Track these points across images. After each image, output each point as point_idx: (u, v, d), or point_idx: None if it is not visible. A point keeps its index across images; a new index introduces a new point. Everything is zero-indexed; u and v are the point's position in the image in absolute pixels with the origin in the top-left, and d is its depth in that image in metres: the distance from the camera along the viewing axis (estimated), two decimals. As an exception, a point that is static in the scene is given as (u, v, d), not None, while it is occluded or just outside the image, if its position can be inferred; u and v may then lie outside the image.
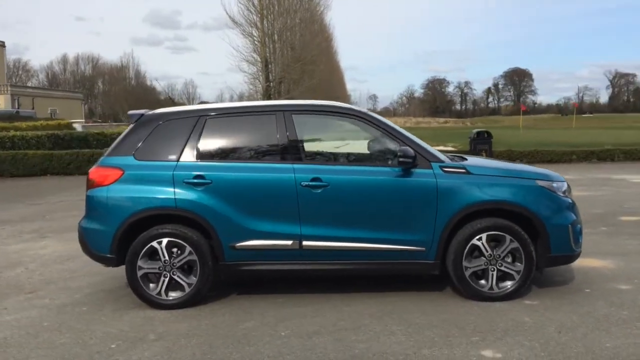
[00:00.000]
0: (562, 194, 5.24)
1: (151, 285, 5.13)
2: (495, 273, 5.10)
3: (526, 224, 5.11)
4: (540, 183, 5.19)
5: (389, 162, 5.19)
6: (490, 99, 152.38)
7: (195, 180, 5.08)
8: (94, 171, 5.26)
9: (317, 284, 5.71)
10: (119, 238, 5.09)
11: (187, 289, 5.11)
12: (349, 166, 5.35)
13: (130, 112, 5.54)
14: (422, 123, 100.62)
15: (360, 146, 5.62)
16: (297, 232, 5.06)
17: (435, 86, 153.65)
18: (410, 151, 5.02)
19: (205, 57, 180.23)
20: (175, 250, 5.10)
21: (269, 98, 48.53)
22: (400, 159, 4.99)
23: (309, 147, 5.47)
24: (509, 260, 5.11)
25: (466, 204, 5.04)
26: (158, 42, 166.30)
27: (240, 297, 5.46)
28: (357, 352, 4.13)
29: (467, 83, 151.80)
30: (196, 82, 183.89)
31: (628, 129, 46.65)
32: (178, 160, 5.16)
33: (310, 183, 5.05)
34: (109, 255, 5.16)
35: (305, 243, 5.06)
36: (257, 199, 5.08)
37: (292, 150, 5.18)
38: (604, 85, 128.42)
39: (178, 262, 5.09)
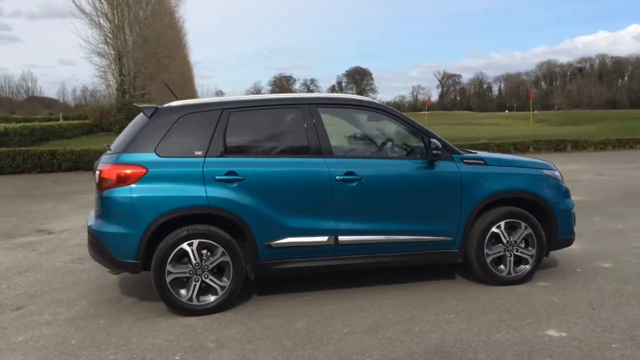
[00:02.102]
0: (562, 182, 5.68)
1: (181, 291, 4.79)
2: (512, 258, 5.41)
3: (536, 210, 5.47)
4: (547, 172, 5.59)
5: (416, 155, 5.29)
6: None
7: (228, 177, 4.82)
8: (109, 170, 4.78)
9: (328, 280, 5.65)
10: (146, 242, 4.70)
11: (220, 292, 4.84)
12: (380, 159, 5.39)
13: (142, 105, 5.10)
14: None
15: (382, 139, 5.67)
16: (332, 227, 5.00)
17: (282, 83, 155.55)
18: (439, 143, 5.16)
19: (33, 47, 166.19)
20: (204, 252, 4.80)
21: (123, 93, 46.40)
22: (434, 151, 5.11)
23: (336, 140, 5.40)
24: (523, 245, 5.44)
25: (488, 193, 5.29)
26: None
27: (263, 297, 5.26)
28: (434, 342, 4.19)
29: (312, 80, 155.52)
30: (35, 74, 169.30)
31: (467, 124, 50.42)
32: (205, 156, 4.86)
33: (345, 177, 5.01)
34: (134, 261, 4.73)
35: (341, 238, 5.01)
36: (292, 195, 4.94)
37: (322, 144, 5.09)
38: (434, 84, 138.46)
39: (210, 264, 4.80)
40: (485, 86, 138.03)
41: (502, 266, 5.41)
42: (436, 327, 4.47)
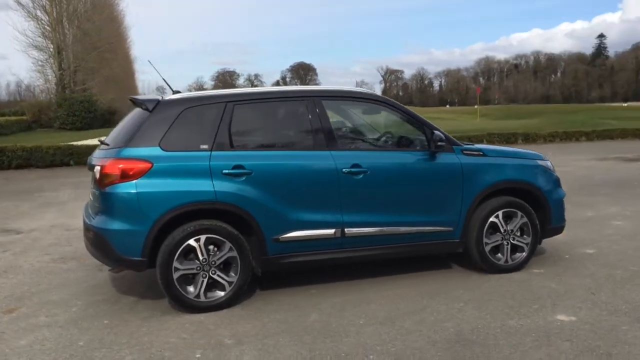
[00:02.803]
0: (553, 172, 5.84)
1: (188, 287, 4.67)
2: (509, 247, 5.52)
3: (531, 199, 5.60)
4: (540, 162, 5.73)
5: (418, 147, 5.32)
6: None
7: (235, 171, 4.71)
8: (111, 165, 4.59)
9: (329, 272, 5.62)
10: (153, 238, 4.55)
11: (228, 288, 4.74)
12: (384, 151, 5.40)
13: (141, 97, 4.92)
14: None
15: (384, 132, 5.68)
16: (339, 220, 4.97)
17: (226, 78, 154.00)
18: (442, 135, 5.21)
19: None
20: (211, 247, 4.69)
21: (63, 88, 44.91)
22: (439, 143, 5.16)
23: (339, 133, 5.37)
24: (519, 234, 5.56)
25: (488, 184, 5.38)
26: None
27: (267, 292, 5.18)
28: (452, 331, 4.24)
29: (257, 76, 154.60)
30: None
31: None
32: (211, 149, 4.74)
33: (351, 169, 4.99)
34: (140, 259, 4.57)
35: (347, 230, 5.00)
36: (299, 188, 4.88)
37: (327, 137, 5.05)
38: (377, 80, 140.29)
39: (217, 259, 4.69)
40: (426, 82, 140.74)
41: (499, 254, 5.51)
42: (450, 316, 4.51)
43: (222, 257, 4.70)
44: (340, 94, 5.44)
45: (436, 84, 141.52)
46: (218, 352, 3.96)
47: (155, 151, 4.63)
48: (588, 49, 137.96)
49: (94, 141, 17.33)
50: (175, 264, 4.59)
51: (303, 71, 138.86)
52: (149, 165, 4.57)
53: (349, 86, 6.06)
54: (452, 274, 5.59)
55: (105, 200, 4.60)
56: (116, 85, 51.10)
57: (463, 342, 4.02)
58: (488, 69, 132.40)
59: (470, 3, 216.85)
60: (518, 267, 5.56)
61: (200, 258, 4.65)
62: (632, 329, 4.19)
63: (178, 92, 5.21)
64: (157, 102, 4.80)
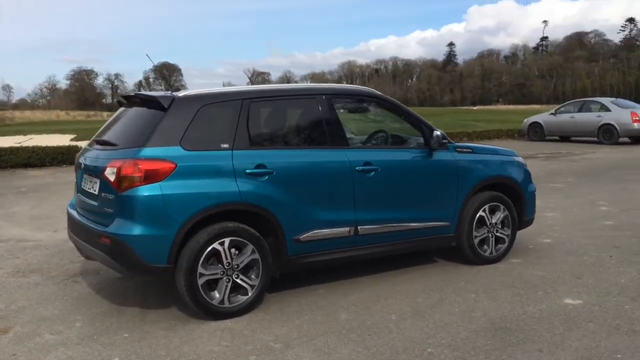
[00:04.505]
0: (526, 167, 6.27)
1: (212, 293, 4.46)
2: (493, 239, 5.85)
3: (510, 193, 5.97)
4: (516, 159, 6.14)
5: (422, 145, 5.48)
6: (142, 92, 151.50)
7: (258, 170, 4.59)
8: (129, 166, 4.26)
9: (326, 272, 5.59)
10: (179, 243, 4.30)
11: (250, 292, 4.60)
12: (390, 149, 5.51)
13: (151, 94, 4.62)
14: (66, 116, 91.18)
15: (388, 130, 5.78)
16: (353, 218, 5.01)
17: (83, 77, 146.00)
18: (442, 133, 5.42)
19: None
20: (233, 250, 4.53)
21: None
22: (443, 141, 5.36)
23: (348, 131, 5.39)
24: (500, 226, 5.91)
25: (479, 179, 5.68)
26: None
27: (276, 295, 5.05)
28: (483, 320, 4.42)
29: (117, 75, 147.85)
30: None
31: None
32: (232, 148, 4.58)
33: (364, 167, 5.04)
34: (165, 266, 4.30)
35: (360, 228, 5.04)
36: (318, 187, 4.86)
37: (339, 135, 5.07)
38: (244, 81, 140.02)
39: (241, 262, 4.54)
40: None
41: (485, 246, 5.82)
42: (471, 307, 4.71)
43: (244, 260, 4.55)
44: (347, 92, 5.51)
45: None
46: (273, 357, 3.85)
47: (178, 151, 4.38)
48: (439, 55, 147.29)
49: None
50: (200, 269, 4.38)
51: (167, 71, 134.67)
52: (173, 165, 4.32)
53: (346, 84, 6.10)
54: (443, 268, 5.81)
55: (125, 204, 4.27)
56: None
57: (502, 330, 4.23)
58: (351, 73, 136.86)
59: (330, 8, 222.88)
60: (500, 257, 5.91)
61: (225, 262, 4.47)
62: (634, 307, 4.63)
63: (177, 89, 4.98)
64: (172, 99, 4.54)
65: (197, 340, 4.14)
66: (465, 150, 5.72)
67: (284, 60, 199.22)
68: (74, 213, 5.07)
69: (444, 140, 5.39)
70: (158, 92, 4.76)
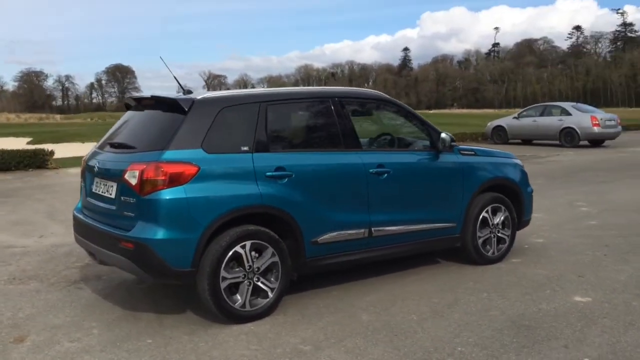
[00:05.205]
0: (524, 169, 6.43)
1: (234, 297, 4.42)
2: (495, 239, 5.97)
3: (510, 195, 6.11)
4: (515, 161, 6.28)
5: (430, 147, 5.55)
6: (95, 94, 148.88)
7: (278, 173, 4.57)
8: (152, 169, 4.18)
9: (330, 274, 5.58)
10: (203, 246, 4.25)
11: (270, 295, 4.57)
12: (400, 152, 5.57)
13: (170, 96, 4.54)
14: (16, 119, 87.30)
15: (396, 133, 5.83)
16: (367, 219, 5.04)
17: (32, 79, 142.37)
18: (450, 136, 5.51)
19: None
20: (253, 253, 4.50)
21: None
22: (452, 143, 5.45)
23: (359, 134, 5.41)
24: (501, 227, 6.04)
25: (483, 180, 5.80)
26: None
27: (290, 297, 5.02)
28: (503, 318, 4.51)
29: (68, 77, 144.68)
30: None
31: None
32: (252, 151, 4.55)
33: (377, 169, 5.08)
34: (190, 269, 4.24)
35: (374, 230, 5.08)
36: (335, 189, 4.88)
37: (353, 138, 5.11)
38: (200, 84, 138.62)
39: (261, 265, 4.51)
40: (250, 87, 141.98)
41: (487, 247, 5.93)
42: (487, 306, 4.79)
43: (265, 262, 4.53)
44: (359, 95, 5.55)
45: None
46: (306, 360, 3.84)
47: (200, 154, 4.33)
48: (394, 60, 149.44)
49: None
50: (223, 272, 4.33)
51: (120, 74, 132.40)
52: (196, 168, 4.26)
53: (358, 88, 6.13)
54: (448, 268, 5.89)
55: (149, 207, 4.19)
56: None
57: (524, 327, 4.32)
58: (308, 76, 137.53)
59: (284, 12, 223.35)
60: (501, 257, 6.04)
61: (246, 265, 4.43)
62: (641, 303, 4.80)
63: (190, 91, 4.92)
64: (192, 102, 4.48)
65: (224, 344, 4.10)
66: (468, 152, 5.82)
67: (240, 63, 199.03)
68: (83, 217, 4.94)
69: (452, 143, 5.48)
70: (175, 94, 4.69)
